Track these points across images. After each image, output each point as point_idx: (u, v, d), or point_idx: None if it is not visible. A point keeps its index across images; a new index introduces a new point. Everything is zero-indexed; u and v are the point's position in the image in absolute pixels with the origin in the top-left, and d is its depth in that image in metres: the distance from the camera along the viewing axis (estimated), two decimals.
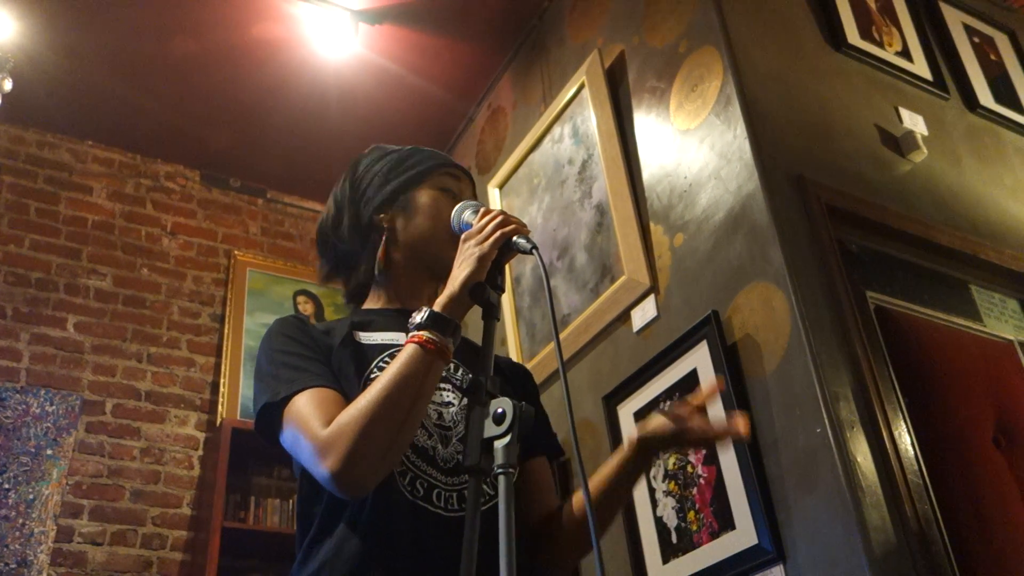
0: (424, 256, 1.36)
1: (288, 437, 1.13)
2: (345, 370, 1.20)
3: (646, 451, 1.22)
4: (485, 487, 1.16)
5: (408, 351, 1.08)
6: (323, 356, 1.21)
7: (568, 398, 1.02)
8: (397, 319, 1.31)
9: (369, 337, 1.27)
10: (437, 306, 1.12)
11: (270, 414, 1.16)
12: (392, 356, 1.21)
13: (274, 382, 1.17)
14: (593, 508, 0.94)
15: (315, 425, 1.08)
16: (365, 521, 1.10)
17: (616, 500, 1.28)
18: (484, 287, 1.11)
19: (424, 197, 1.38)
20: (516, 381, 1.42)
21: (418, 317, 1.11)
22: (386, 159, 1.44)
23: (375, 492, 1.10)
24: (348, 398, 1.13)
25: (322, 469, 1.05)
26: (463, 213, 1.26)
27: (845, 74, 2.69)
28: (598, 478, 1.25)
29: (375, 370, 1.20)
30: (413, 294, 1.37)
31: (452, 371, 1.27)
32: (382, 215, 1.38)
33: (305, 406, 1.11)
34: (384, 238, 1.36)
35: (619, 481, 1.24)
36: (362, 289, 1.41)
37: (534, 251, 1.11)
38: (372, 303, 1.39)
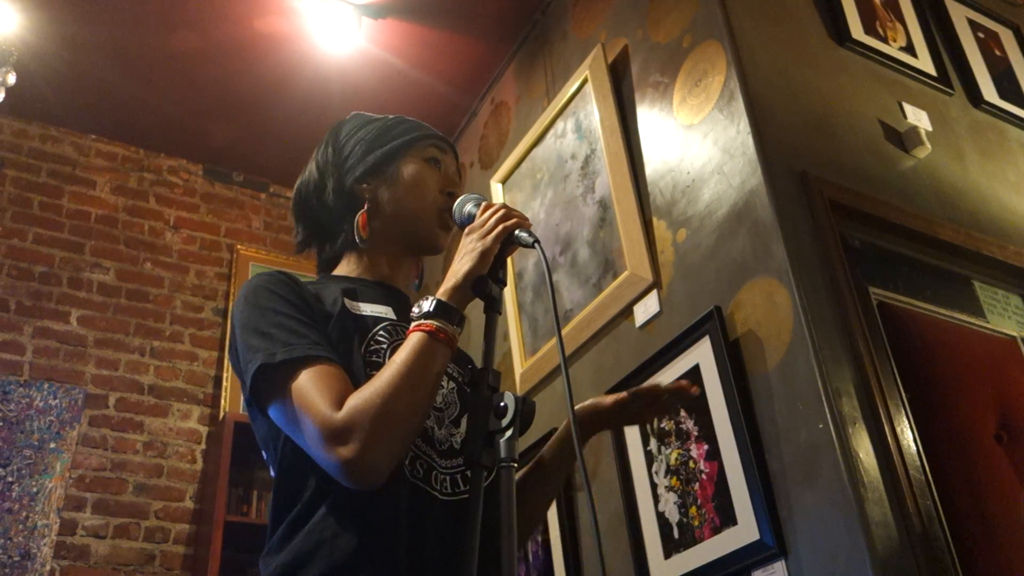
0: (407, 227, 1.34)
1: (285, 412, 1.06)
2: (345, 341, 1.15)
3: (589, 426, 1.32)
4: (467, 475, 1.15)
5: (419, 339, 1.06)
6: (318, 322, 1.15)
7: (569, 392, 1.02)
8: (381, 292, 1.29)
9: (362, 307, 1.23)
10: (442, 295, 1.10)
11: (265, 378, 1.08)
12: (387, 331, 1.20)
13: (267, 342, 1.08)
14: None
15: (323, 405, 1.02)
16: (364, 501, 1.06)
17: (566, 460, 1.36)
18: (486, 280, 1.11)
19: (409, 168, 1.35)
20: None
21: (425, 305, 1.09)
22: (370, 127, 1.40)
23: None
24: (348, 372, 1.10)
25: (333, 455, 0.99)
26: (465, 206, 1.25)
27: (849, 69, 2.68)
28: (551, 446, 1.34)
29: (372, 343, 1.17)
30: (392, 267, 1.35)
31: None
32: (365, 185, 1.35)
33: (308, 381, 1.04)
34: (366, 208, 1.33)
35: (559, 455, 1.34)
36: (337, 258, 1.37)
37: (536, 245, 1.10)
38: (348, 270, 1.35)
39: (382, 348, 1.17)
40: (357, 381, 1.09)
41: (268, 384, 1.09)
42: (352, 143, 1.38)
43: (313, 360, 1.07)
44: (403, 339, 1.12)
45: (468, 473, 1.14)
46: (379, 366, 1.11)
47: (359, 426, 0.99)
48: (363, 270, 1.34)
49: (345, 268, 1.35)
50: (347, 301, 1.22)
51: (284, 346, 1.08)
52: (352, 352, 1.14)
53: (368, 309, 1.23)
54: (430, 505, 1.10)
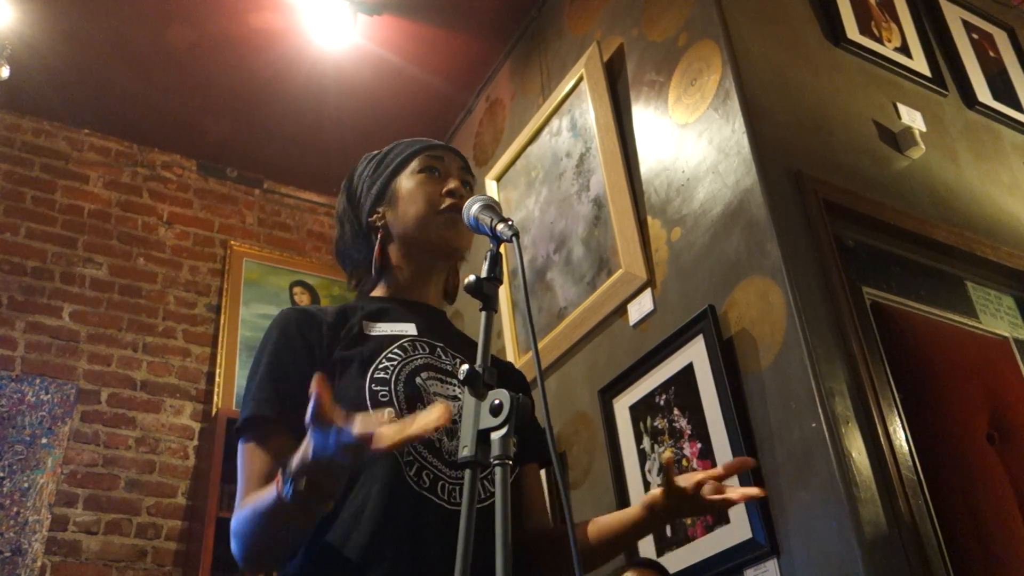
0: (417, 238, 1.36)
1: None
2: (353, 362, 1.21)
3: (658, 516, 1.22)
4: (487, 483, 1.15)
5: (273, 498, 1.02)
6: (309, 362, 1.20)
7: (545, 401, 1.01)
8: (406, 310, 1.33)
9: (379, 328, 1.27)
10: (292, 469, 1.00)
11: (238, 432, 1.21)
12: (402, 348, 1.23)
13: (247, 393, 1.20)
14: (575, 534, 0.92)
15: (240, 489, 1.14)
16: (370, 510, 1.10)
17: (618, 549, 1.28)
18: (482, 282, 1.10)
19: (405, 184, 1.38)
20: (518, 389, 1.40)
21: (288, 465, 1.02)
22: (372, 161, 1.46)
23: (381, 482, 1.11)
24: (352, 390, 1.15)
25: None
26: (472, 208, 1.22)
27: (844, 69, 2.69)
28: (605, 526, 1.26)
29: (384, 360, 1.21)
30: (420, 283, 1.38)
31: (457, 366, 1.27)
32: (375, 215, 1.40)
33: (244, 457, 1.16)
34: (380, 235, 1.38)
35: (625, 535, 1.25)
36: (376, 284, 1.44)
37: (514, 239, 1.08)
38: (381, 291, 1.40)
39: (392, 365, 1.21)
40: (360, 399, 1.15)
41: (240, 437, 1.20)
42: (360, 183, 1.45)
43: (252, 428, 1.17)
44: (419, 355, 1.22)
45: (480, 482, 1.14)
46: (385, 382, 1.18)
47: (234, 538, 1.12)
48: (392, 290, 1.38)
49: (379, 290, 1.40)
50: (365, 323, 1.27)
51: (250, 402, 1.19)
52: (357, 371, 1.19)
53: (388, 328, 1.27)
54: (438, 515, 1.12)
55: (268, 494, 1.03)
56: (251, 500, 1.09)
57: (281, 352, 1.22)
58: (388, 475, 1.10)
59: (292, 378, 1.19)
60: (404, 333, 1.27)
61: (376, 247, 1.37)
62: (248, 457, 1.16)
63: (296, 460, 0.97)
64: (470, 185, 1.42)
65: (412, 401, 1.18)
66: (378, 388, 1.17)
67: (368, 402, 1.16)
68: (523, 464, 1.34)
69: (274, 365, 1.20)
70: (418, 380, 1.21)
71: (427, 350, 1.27)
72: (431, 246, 1.35)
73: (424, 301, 1.37)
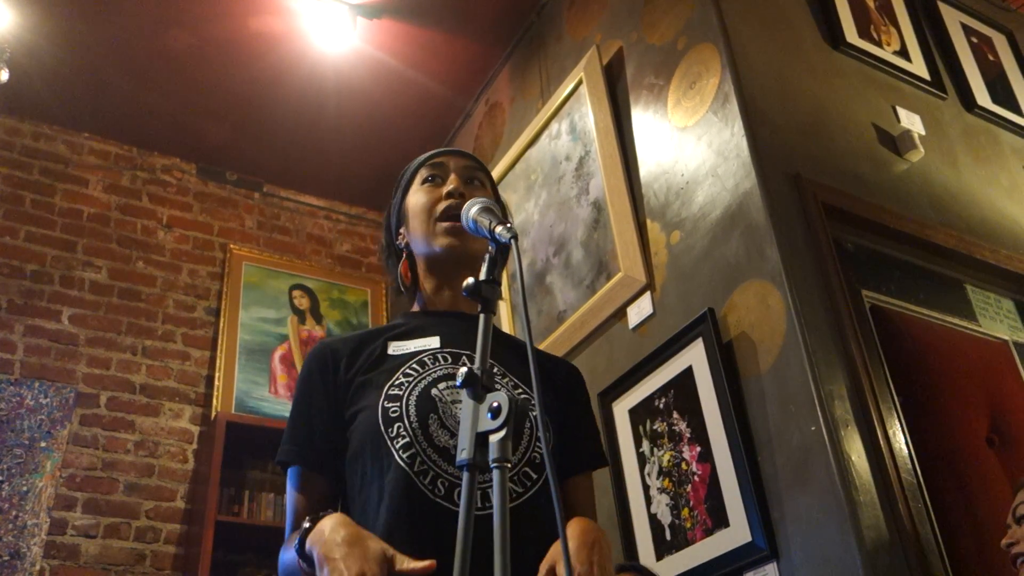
0: (426, 251, 1.37)
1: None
2: (372, 383, 1.24)
3: None
4: (513, 484, 1.16)
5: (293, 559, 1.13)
6: (329, 402, 1.27)
7: (540, 403, 1.01)
8: (433, 322, 1.35)
9: (402, 346, 1.30)
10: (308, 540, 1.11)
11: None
12: (420, 363, 1.25)
13: (284, 433, 1.28)
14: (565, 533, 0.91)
15: (288, 521, 1.24)
16: (388, 521, 1.11)
17: None
18: (479, 285, 1.10)
19: (412, 199, 1.41)
20: (566, 386, 1.40)
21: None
22: (394, 187, 1.50)
23: (397, 493, 1.12)
24: (368, 410, 1.19)
25: None
26: (470, 211, 1.21)
27: (843, 73, 2.69)
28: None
29: (400, 377, 1.23)
30: (444, 291, 1.38)
31: None
32: (398, 236, 1.44)
33: (290, 494, 1.25)
34: (405, 254, 1.42)
35: None
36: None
37: (513, 241, 1.08)
38: (416, 306, 1.43)
39: (408, 381, 1.23)
40: (374, 417, 1.18)
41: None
42: (389, 210, 1.49)
43: (294, 471, 1.26)
44: (439, 367, 1.24)
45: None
46: (398, 398, 1.20)
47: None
48: (424, 303, 1.41)
49: (415, 305, 1.44)
50: (390, 343, 1.31)
51: (284, 444, 1.27)
52: (374, 391, 1.23)
53: (411, 346, 1.30)
54: (455, 521, 1.10)
55: (292, 549, 1.14)
56: (288, 543, 1.18)
57: (304, 398, 1.29)
58: (400, 487, 1.12)
59: (314, 422, 1.27)
60: (425, 348, 1.28)
61: (401, 265, 1.41)
62: (289, 496, 1.26)
63: (309, 544, 1.08)
64: (479, 181, 1.42)
65: (424, 414, 1.18)
66: (390, 405, 1.19)
67: (380, 419, 1.17)
68: (574, 476, 1.33)
69: (297, 412, 1.29)
70: (434, 392, 1.21)
71: (449, 360, 1.27)
72: (440, 257, 1.36)
73: (456, 309, 1.37)
